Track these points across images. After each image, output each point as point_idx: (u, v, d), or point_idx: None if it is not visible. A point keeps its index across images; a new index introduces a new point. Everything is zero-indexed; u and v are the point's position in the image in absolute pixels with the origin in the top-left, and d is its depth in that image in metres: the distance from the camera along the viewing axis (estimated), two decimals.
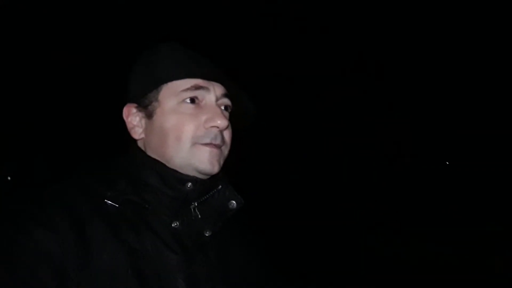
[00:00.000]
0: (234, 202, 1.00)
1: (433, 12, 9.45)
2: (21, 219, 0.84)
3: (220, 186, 1.01)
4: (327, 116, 12.03)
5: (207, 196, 0.98)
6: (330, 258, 6.42)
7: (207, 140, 0.96)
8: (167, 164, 0.97)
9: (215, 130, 0.96)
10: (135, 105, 1.01)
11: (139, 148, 1.02)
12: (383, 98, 12.00)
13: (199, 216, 0.96)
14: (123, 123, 1.04)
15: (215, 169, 0.97)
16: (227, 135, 1.00)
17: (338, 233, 7.91)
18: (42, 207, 0.86)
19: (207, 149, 0.96)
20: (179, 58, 0.99)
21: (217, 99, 0.99)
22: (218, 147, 0.97)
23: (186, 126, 0.95)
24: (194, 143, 0.95)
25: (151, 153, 0.99)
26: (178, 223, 0.93)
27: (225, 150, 1.01)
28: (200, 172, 0.96)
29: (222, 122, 0.96)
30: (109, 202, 0.91)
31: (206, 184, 0.98)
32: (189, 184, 0.95)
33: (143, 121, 1.01)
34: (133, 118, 1.02)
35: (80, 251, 0.83)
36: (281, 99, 11.28)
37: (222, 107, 1.01)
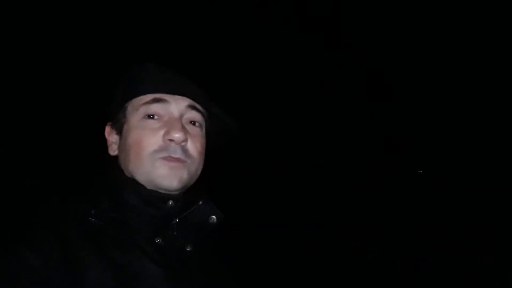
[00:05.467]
0: (214, 217, 1.01)
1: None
2: (11, 242, 0.86)
3: (200, 202, 1.02)
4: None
5: (188, 212, 1.00)
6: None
7: (165, 154, 0.96)
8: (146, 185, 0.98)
9: (173, 144, 0.96)
10: (111, 123, 1.06)
11: (119, 166, 1.04)
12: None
13: (181, 232, 0.98)
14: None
15: (174, 184, 0.96)
16: (192, 148, 0.99)
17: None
18: (31, 230, 0.88)
19: (165, 162, 0.95)
20: (146, 76, 1.01)
21: (180, 113, 1.00)
22: (178, 160, 0.97)
23: (145, 142, 0.96)
24: (154, 159, 0.96)
25: (125, 171, 1.01)
26: (160, 240, 0.95)
27: (192, 164, 1.00)
28: (161, 188, 0.97)
29: (178, 135, 0.95)
30: (93, 219, 0.92)
31: (187, 201, 1.00)
32: (171, 202, 0.97)
33: (117, 138, 1.05)
34: (110, 136, 1.07)
35: (68, 270, 0.83)
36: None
37: (189, 121, 1.02)
